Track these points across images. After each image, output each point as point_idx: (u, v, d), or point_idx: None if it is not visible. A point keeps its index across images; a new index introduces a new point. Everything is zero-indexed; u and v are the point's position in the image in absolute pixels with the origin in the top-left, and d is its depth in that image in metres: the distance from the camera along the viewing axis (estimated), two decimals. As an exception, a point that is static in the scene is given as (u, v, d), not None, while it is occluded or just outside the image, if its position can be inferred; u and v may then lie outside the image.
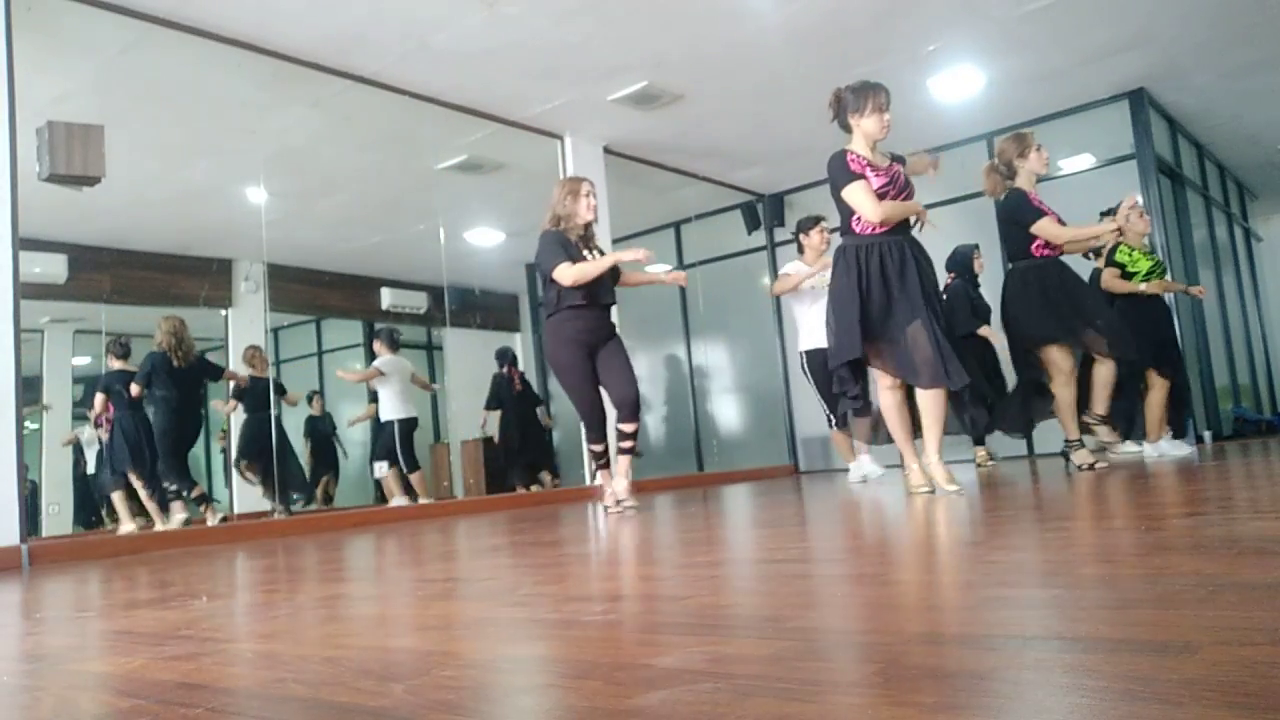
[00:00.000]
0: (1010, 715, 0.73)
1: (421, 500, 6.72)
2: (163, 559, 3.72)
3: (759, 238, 8.79)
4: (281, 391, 6.85)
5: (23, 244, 4.09)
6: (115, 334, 6.49)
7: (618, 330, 4.24)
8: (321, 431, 7.87)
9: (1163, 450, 4.97)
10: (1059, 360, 4.23)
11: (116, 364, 5.93)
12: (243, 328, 7.22)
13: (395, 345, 7.02)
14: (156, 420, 5.80)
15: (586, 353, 4.05)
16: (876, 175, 3.51)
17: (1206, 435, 7.08)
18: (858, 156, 3.55)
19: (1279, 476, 3.28)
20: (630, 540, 3.01)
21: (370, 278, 8.46)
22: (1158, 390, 5.10)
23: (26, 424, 4.91)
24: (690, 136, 7.13)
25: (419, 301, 8.49)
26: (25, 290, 4.12)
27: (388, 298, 8.40)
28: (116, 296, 6.64)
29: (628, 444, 4.17)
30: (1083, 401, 4.41)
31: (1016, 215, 4.27)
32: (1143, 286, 5.04)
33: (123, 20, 4.63)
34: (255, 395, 6.53)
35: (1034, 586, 1.35)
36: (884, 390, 3.61)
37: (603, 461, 4.36)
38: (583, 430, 4.21)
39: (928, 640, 1.03)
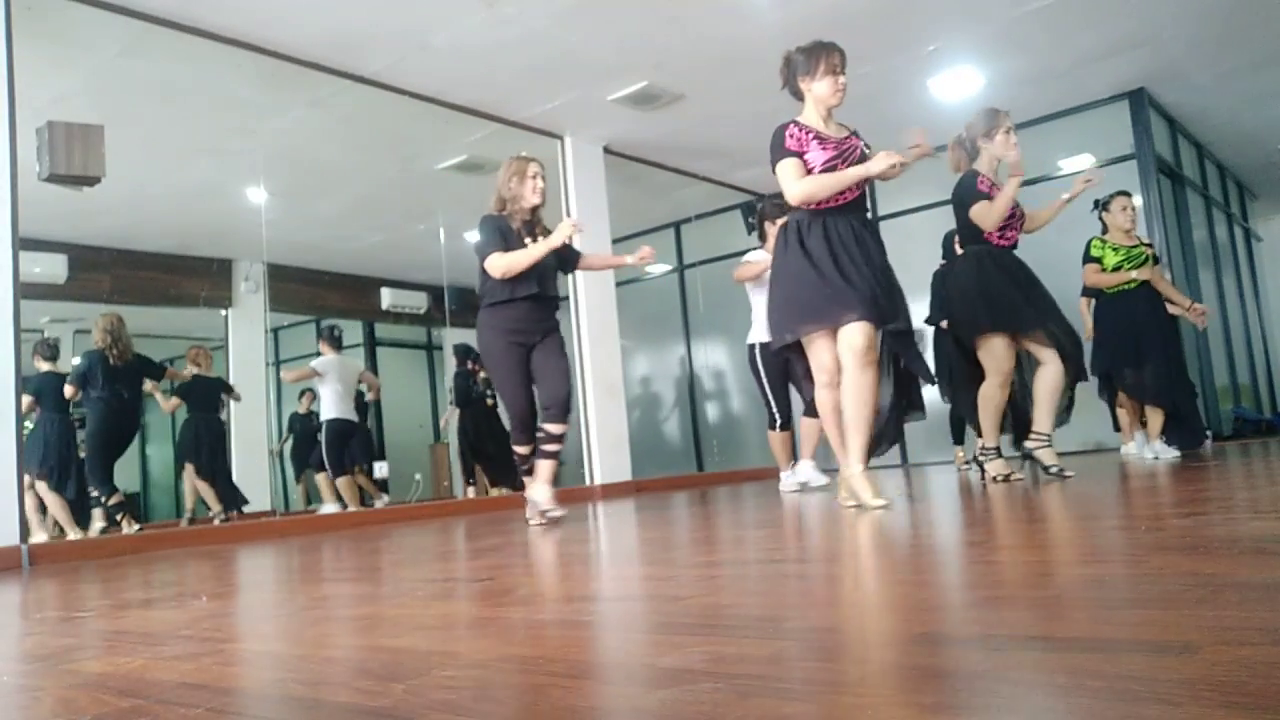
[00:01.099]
0: (1010, 715, 0.73)
1: (352, 507, 6.43)
2: (163, 559, 3.72)
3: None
4: (228, 390, 6.68)
5: (23, 244, 4.09)
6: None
7: (559, 327, 3.95)
8: (307, 430, 7.77)
9: (1157, 450, 4.86)
10: (1001, 356, 3.81)
11: (44, 366, 5.69)
12: (243, 328, 7.23)
13: (337, 344, 6.82)
14: (90, 421, 5.59)
15: (521, 347, 3.75)
16: (824, 148, 3.14)
17: (1207, 435, 7.07)
18: (801, 128, 3.19)
19: (1279, 476, 3.28)
20: (630, 540, 3.01)
21: (370, 278, 8.47)
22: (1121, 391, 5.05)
23: (26, 424, 4.90)
24: (690, 136, 7.13)
25: (419, 301, 8.50)
26: (25, 290, 4.12)
27: (388, 298, 8.40)
28: (116, 296, 6.64)
29: (552, 446, 3.79)
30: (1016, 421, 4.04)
31: (962, 198, 3.91)
32: (1134, 274, 4.88)
33: (123, 20, 4.63)
34: (199, 394, 6.40)
35: (1034, 586, 1.35)
36: (821, 388, 3.19)
37: (528, 467, 3.93)
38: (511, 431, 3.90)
39: (928, 640, 1.03)
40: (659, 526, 3.38)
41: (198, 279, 7.13)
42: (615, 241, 7.30)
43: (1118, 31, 5.91)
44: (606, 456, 6.79)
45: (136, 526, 5.47)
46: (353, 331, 8.89)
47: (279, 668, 1.22)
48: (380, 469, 7.05)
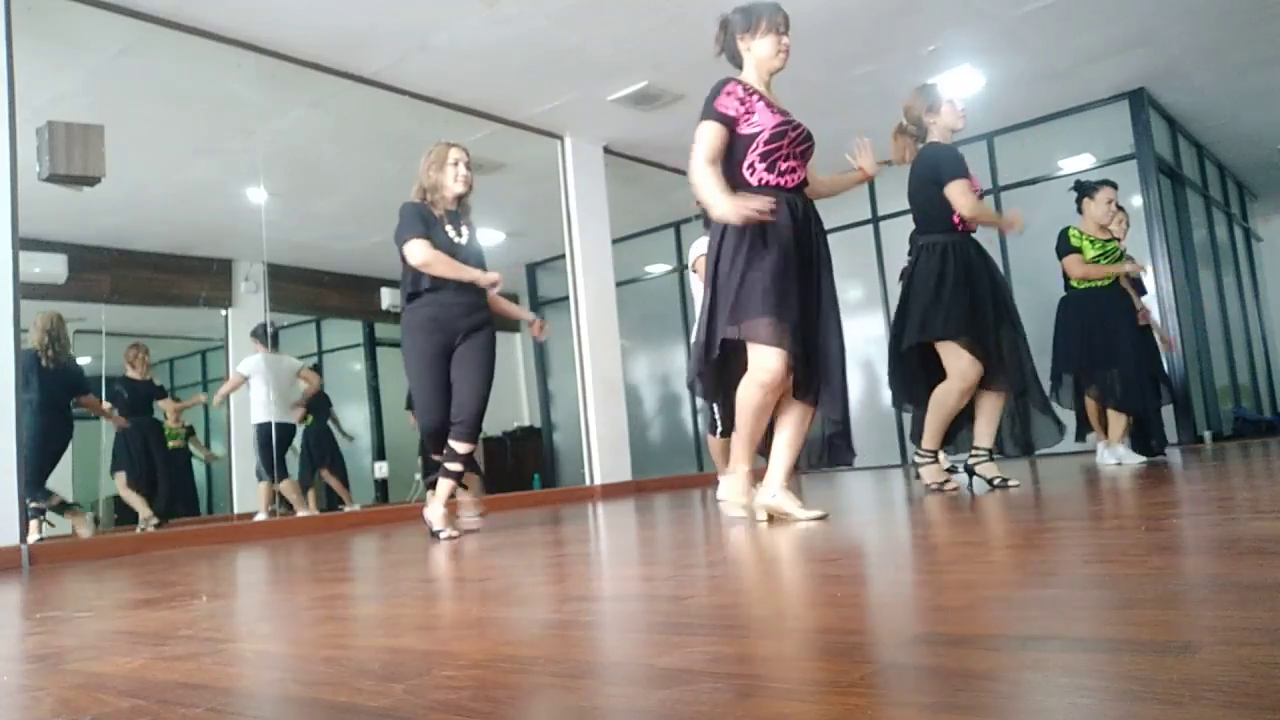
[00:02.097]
0: (1010, 715, 0.73)
1: (301, 512, 6.15)
2: (163, 559, 3.72)
3: (759, 238, 8.77)
4: (161, 395, 6.45)
5: (23, 244, 4.10)
6: (116, 334, 6.48)
7: (490, 323, 3.64)
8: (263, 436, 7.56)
9: (1120, 455, 4.66)
10: (969, 365, 3.50)
11: None
12: (243, 328, 7.21)
13: (268, 341, 6.47)
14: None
15: (440, 344, 3.46)
16: (773, 111, 2.87)
17: (1206, 435, 7.08)
18: (747, 89, 2.88)
19: (1279, 476, 3.28)
20: (630, 540, 3.01)
21: (370, 278, 8.46)
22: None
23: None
24: (690, 136, 7.08)
25: (419, 302, 8.47)
26: (25, 290, 4.12)
27: (388, 298, 8.39)
28: (116, 296, 6.64)
29: (455, 466, 3.47)
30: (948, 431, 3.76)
31: (938, 170, 3.58)
32: (1127, 268, 4.65)
33: (122, 20, 4.63)
34: (133, 398, 6.18)
35: (1034, 586, 1.35)
36: (757, 385, 2.81)
37: (433, 480, 3.59)
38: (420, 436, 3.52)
39: (928, 640, 1.03)
40: (659, 526, 3.38)
41: (198, 279, 7.13)
42: (615, 242, 7.30)
43: (1118, 31, 5.91)
44: (606, 456, 6.79)
45: (89, 528, 5.26)
46: (353, 331, 8.89)
47: (279, 668, 1.22)
48: (380, 469, 7.01)
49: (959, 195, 3.55)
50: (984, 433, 3.63)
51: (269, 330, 6.54)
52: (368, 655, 1.25)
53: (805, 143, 2.91)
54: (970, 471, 3.69)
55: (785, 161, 2.86)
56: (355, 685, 1.05)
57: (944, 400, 3.57)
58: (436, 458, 3.55)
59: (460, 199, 3.63)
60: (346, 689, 1.03)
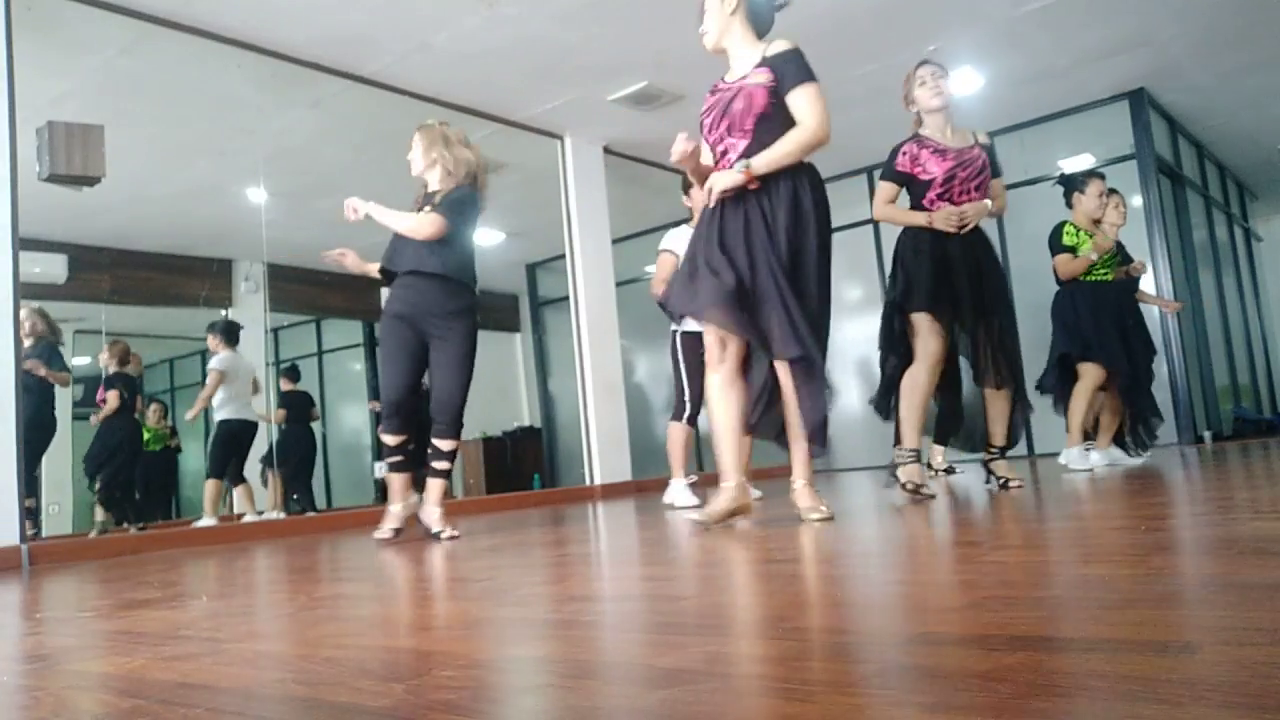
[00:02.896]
0: (1010, 715, 0.73)
1: (209, 519, 5.85)
2: (163, 559, 3.72)
3: (759, 238, 8.75)
4: (134, 395, 6.29)
5: (23, 244, 4.09)
6: (116, 334, 6.47)
7: (471, 313, 3.61)
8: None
9: (1113, 457, 4.57)
10: (929, 336, 3.43)
11: None
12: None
13: (230, 339, 6.30)
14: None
15: (410, 329, 3.43)
16: (709, 95, 3.12)
17: (1207, 435, 7.08)
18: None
19: (1279, 476, 3.28)
20: (630, 540, 3.01)
21: (371, 278, 8.46)
22: (1085, 380, 4.48)
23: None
24: (690, 136, 7.12)
25: (419, 301, 8.46)
26: (25, 290, 4.12)
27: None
28: (116, 296, 6.64)
29: (441, 464, 3.42)
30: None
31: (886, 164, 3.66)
32: (1092, 256, 4.46)
33: (123, 20, 4.63)
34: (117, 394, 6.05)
35: (1034, 586, 1.35)
36: (719, 364, 2.86)
37: (398, 461, 3.44)
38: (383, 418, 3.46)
39: (928, 640, 1.03)
40: (659, 526, 3.38)
41: (198, 279, 7.13)
42: (615, 242, 7.30)
43: (1118, 31, 5.91)
44: (606, 456, 6.79)
45: None
46: (353, 331, 8.90)
47: (279, 668, 1.22)
48: (380, 469, 6.99)
49: (877, 201, 3.68)
50: (998, 431, 3.65)
51: (232, 329, 6.39)
52: (368, 655, 1.25)
53: (733, 123, 3.13)
54: (988, 469, 3.74)
55: (715, 143, 3.16)
56: (355, 685, 1.05)
57: (912, 385, 3.45)
58: (388, 439, 3.40)
59: (439, 184, 3.52)
60: (346, 689, 1.03)
